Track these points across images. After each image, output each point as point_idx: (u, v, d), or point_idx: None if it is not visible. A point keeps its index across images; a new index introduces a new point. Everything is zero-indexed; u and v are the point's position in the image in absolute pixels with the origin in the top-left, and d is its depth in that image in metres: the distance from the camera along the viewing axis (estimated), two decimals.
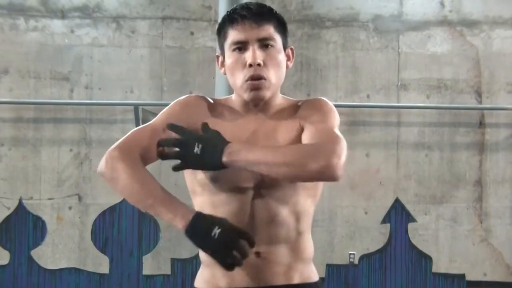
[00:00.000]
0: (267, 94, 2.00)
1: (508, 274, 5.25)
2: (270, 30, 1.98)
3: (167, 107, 2.05)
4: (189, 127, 1.93)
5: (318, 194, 2.09)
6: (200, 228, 1.81)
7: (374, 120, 5.23)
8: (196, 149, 1.84)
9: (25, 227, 5.14)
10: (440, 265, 5.23)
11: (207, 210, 1.99)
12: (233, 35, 1.98)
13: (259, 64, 1.96)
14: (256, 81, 1.97)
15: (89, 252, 5.15)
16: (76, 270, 5.16)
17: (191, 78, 5.16)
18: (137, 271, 5.16)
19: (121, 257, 5.14)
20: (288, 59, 2.06)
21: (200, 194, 2.04)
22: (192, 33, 5.23)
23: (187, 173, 2.06)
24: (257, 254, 1.99)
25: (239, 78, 1.99)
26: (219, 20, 2.10)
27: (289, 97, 2.13)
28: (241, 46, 1.98)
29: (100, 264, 5.16)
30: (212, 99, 2.10)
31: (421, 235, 5.23)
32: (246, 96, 2.00)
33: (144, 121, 5.08)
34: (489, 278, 5.25)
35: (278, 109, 2.06)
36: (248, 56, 1.96)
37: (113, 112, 5.15)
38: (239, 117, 2.04)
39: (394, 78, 5.25)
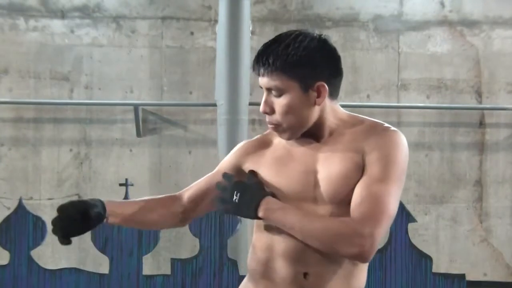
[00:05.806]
0: (286, 135, 1.95)
1: (508, 274, 5.25)
2: (277, 79, 1.89)
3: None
4: (243, 168, 2.01)
5: None
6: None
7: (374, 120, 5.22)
8: (235, 197, 1.90)
9: (25, 227, 5.13)
10: (440, 265, 5.22)
11: (256, 227, 1.99)
12: None
13: (266, 112, 1.92)
14: (270, 125, 1.95)
15: (89, 252, 5.15)
16: (76, 270, 5.15)
17: (191, 78, 5.16)
18: (137, 271, 5.15)
19: (121, 257, 5.13)
20: (318, 95, 1.94)
21: None
22: (192, 33, 5.22)
23: None
24: (305, 274, 1.91)
25: None
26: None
27: (354, 114, 2.06)
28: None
29: (100, 264, 5.16)
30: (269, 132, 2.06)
31: (421, 235, 5.23)
32: None
33: (144, 121, 5.08)
34: (489, 278, 5.24)
35: (334, 132, 1.98)
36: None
37: (113, 112, 5.15)
38: (290, 145, 1.98)
39: (394, 78, 5.25)
